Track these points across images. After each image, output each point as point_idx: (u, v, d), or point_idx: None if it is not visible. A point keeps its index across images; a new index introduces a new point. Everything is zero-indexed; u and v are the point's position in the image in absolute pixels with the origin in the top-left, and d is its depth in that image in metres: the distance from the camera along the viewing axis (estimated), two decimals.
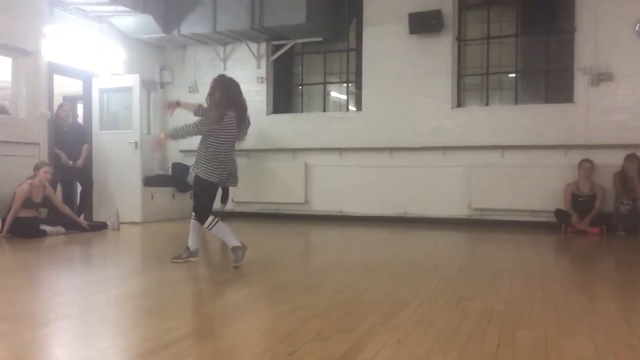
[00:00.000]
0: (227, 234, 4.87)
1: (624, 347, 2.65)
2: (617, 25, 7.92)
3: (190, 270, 4.84)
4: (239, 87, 5.18)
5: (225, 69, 10.21)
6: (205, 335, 2.83)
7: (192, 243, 5.05)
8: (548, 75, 8.75)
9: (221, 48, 10.21)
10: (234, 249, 4.77)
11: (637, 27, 7.81)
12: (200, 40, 9.95)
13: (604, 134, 7.96)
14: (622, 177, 7.59)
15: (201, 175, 4.83)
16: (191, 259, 5.00)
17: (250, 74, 10.07)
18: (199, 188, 4.94)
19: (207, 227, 4.85)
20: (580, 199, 7.70)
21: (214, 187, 4.96)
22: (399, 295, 3.76)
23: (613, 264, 5.70)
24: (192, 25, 9.44)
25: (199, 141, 4.96)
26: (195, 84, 10.43)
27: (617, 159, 7.66)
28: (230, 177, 5.08)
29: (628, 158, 7.55)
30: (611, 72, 7.95)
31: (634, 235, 7.28)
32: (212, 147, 4.82)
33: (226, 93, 4.94)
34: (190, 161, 10.17)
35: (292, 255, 6.17)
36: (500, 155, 8.52)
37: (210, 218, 4.85)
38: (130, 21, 9.32)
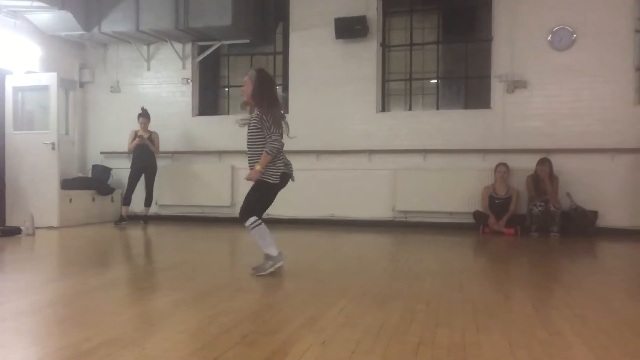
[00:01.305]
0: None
1: (536, 342, 2.78)
2: (531, 36, 8.35)
3: (112, 276, 4.69)
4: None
5: (149, 69, 9.99)
6: (127, 343, 2.75)
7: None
8: (467, 81, 9.10)
9: (145, 47, 9.96)
10: (266, 256, 4.60)
11: (549, 38, 8.26)
12: (122, 39, 9.68)
13: (519, 139, 8.36)
14: (535, 180, 7.99)
15: None
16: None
17: (174, 75, 9.90)
18: None
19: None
20: (496, 201, 8.05)
21: None
22: (324, 297, 3.80)
23: (527, 263, 5.98)
24: (114, 23, 9.16)
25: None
26: (117, 84, 10.13)
27: (530, 162, 8.06)
28: None
29: (540, 162, 7.96)
30: (525, 80, 8.36)
31: (545, 235, 7.69)
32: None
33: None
34: (111, 163, 9.93)
35: (218, 259, 6.10)
36: (423, 158, 8.77)
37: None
38: (48, 17, 8.93)
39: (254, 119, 4.59)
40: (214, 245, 7.21)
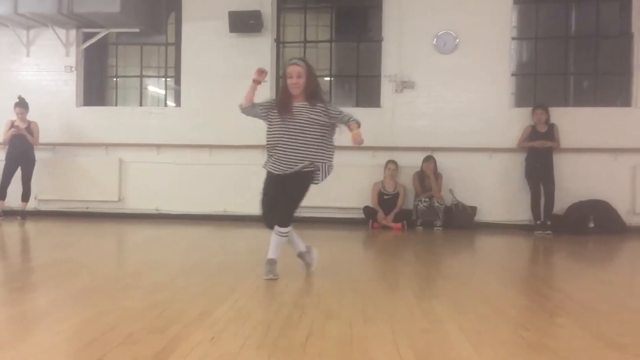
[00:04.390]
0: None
1: (417, 331, 2.93)
2: (418, 39, 8.71)
3: None
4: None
5: (28, 54, 9.37)
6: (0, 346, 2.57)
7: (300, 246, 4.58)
8: (359, 80, 9.34)
9: (24, 32, 9.30)
10: (272, 262, 4.33)
11: (434, 42, 8.67)
12: None
13: (407, 137, 8.71)
14: (420, 177, 8.38)
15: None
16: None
17: (57, 62, 9.34)
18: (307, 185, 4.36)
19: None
20: (385, 197, 8.34)
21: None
22: (215, 293, 3.76)
23: (412, 255, 6.27)
24: None
25: None
26: None
27: (416, 160, 8.42)
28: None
29: (426, 159, 8.35)
30: (413, 80, 8.71)
31: (429, 229, 8.09)
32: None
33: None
34: None
35: (103, 256, 5.84)
36: None
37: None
38: None
39: (316, 112, 4.22)
40: (98, 242, 6.89)
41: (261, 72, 4.50)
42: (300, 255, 4.56)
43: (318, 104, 4.27)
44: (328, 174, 4.39)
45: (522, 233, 7.99)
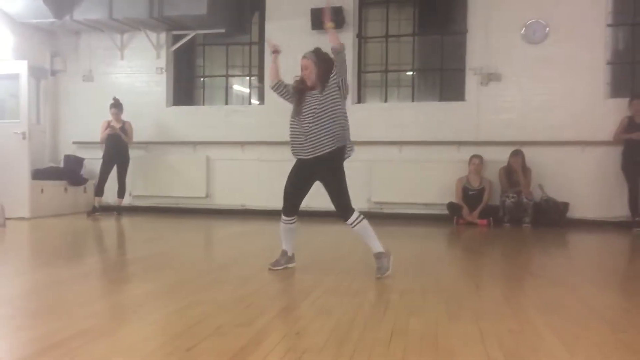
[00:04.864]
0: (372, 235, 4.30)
1: (506, 332, 2.82)
2: (505, 29, 8.42)
3: (84, 268, 4.64)
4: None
5: (122, 57, 9.85)
6: (98, 335, 2.72)
7: (288, 246, 4.63)
8: (443, 74, 9.14)
9: (118, 36, 9.81)
10: (378, 255, 4.26)
11: (522, 31, 8.34)
12: (95, 27, 9.50)
13: (492, 131, 8.45)
14: (507, 172, 8.10)
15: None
16: (289, 265, 4.56)
17: (149, 64, 9.77)
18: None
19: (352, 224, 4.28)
20: (470, 193, 8.13)
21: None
22: (299, 288, 3.81)
23: (499, 253, 6.07)
24: (87, 11, 8.98)
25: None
26: (90, 73, 9.98)
27: (503, 154, 8.15)
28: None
29: (513, 154, 8.06)
30: (499, 73, 8.44)
31: (517, 226, 7.80)
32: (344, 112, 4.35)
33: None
34: (84, 153, 9.78)
35: (192, 250, 6.07)
36: (398, 150, 8.81)
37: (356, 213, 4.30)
38: (18, 4, 8.73)
39: (325, 95, 4.28)
40: (187, 236, 7.16)
41: (271, 43, 4.80)
42: (283, 254, 4.57)
43: (327, 83, 4.30)
44: (351, 151, 4.42)
45: (619, 230, 7.55)
